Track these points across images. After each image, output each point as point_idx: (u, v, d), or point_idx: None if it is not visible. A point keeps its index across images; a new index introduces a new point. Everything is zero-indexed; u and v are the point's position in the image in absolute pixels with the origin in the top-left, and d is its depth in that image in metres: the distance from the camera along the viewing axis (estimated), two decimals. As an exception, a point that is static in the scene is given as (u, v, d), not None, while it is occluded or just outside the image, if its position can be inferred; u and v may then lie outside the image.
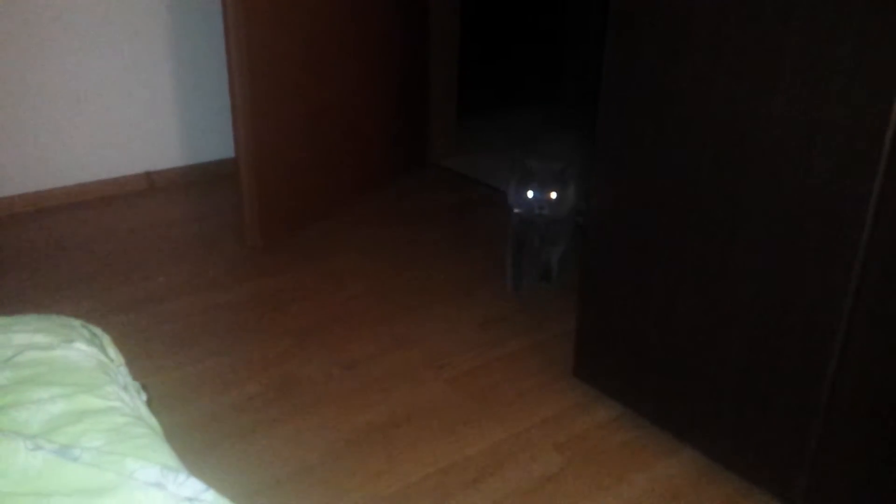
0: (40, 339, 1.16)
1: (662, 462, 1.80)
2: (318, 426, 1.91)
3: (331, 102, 2.95)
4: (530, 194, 2.26)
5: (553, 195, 2.25)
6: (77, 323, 1.26)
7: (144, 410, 1.14)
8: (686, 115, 1.58)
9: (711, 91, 1.51)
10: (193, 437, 1.84)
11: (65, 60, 2.96)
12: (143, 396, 1.26)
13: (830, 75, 1.31)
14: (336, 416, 1.95)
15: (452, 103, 3.69)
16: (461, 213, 3.29)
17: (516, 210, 2.38)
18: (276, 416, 1.94)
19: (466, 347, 2.24)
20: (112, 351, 1.26)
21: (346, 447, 1.84)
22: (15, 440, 0.91)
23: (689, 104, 1.56)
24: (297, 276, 2.65)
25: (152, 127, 3.23)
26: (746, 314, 1.58)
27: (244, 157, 2.68)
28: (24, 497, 0.84)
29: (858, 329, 1.40)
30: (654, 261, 1.74)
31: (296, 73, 2.77)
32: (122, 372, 1.24)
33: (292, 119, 2.80)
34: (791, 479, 1.60)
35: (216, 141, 3.31)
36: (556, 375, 2.09)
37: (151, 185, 3.27)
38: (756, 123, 1.45)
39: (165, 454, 0.96)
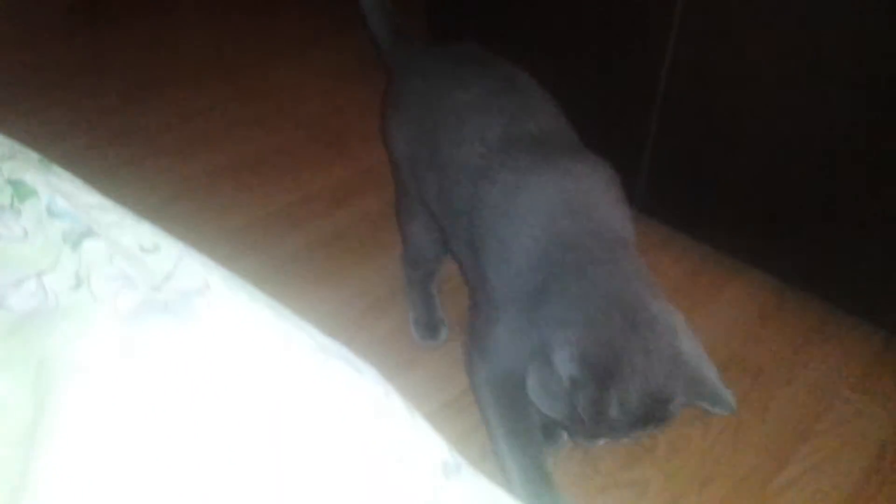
0: None
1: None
2: (160, 170, 1.82)
3: None
4: (615, 414, 0.92)
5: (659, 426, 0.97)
6: None
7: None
8: None
9: None
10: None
11: None
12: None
13: None
14: (178, 161, 1.86)
15: None
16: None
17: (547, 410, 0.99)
18: (115, 163, 1.83)
19: (316, 95, 2.14)
20: None
21: (189, 189, 1.77)
22: None
23: None
24: (126, 33, 2.42)
25: None
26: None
27: None
28: None
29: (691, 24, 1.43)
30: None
31: None
32: None
33: None
34: (631, 184, 1.68)
35: None
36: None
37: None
38: None
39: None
